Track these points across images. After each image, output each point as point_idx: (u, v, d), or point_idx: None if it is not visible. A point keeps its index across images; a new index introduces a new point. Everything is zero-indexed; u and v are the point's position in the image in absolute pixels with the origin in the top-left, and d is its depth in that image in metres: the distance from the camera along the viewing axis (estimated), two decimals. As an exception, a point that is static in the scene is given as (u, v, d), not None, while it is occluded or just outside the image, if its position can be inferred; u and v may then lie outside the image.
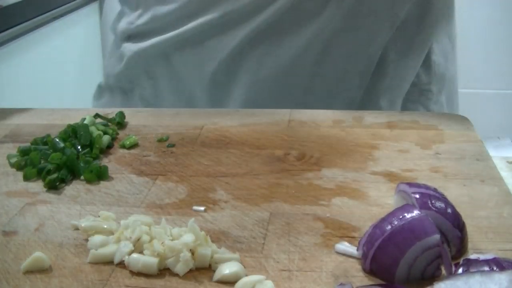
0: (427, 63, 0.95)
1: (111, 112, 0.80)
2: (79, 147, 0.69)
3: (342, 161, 0.68)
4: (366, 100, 0.90)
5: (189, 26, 0.87)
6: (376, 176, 0.65)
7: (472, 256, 0.49)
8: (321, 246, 0.53)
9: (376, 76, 0.89)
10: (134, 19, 0.92)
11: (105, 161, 0.69)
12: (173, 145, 0.72)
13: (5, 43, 1.50)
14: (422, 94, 0.95)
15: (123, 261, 0.51)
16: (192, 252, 0.50)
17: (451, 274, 0.47)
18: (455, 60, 1.02)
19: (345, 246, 0.52)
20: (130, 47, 0.93)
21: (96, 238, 0.53)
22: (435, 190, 0.53)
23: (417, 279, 0.48)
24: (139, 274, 0.50)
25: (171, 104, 0.93)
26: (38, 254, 0.51)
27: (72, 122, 0.73)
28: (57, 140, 0.69)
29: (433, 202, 0.51)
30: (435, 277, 0.48)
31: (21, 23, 1.55)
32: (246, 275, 0.49)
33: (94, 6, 1.97)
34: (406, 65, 0.91)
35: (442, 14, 0.93)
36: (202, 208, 0.59)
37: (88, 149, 0.69)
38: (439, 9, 0.92)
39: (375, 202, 0.60)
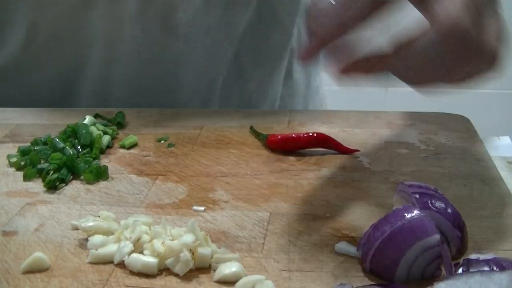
0: (289, 84, 0.95)
1: (111, 112, 0.80)
2: (79, 147, 0.69)
3: (342, 161, 0.68)
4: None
5: None
6: (376, 176, 0.65)
7: (472, 256, 0.49)
8: (321, 246, 0.53)
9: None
10: None
11: (105, 161, 0.69)
12: (173, 145, 0.72)
13: None
14: None
15: (123, 261, 0.51)
16: (192, 252, 0.50)
17: (451, 274, 0.47)
18: (318, 69, 1.00)
19: (345, 246, 0.52)
20: None
21: (96, 238, 0.53)
22: (435, 190, 0.53)
23: (417, 279, 0.48)
24: (139, 274, 0.50)
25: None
26: (38, 254, 0.51)
27: (72, 122, 0.73)
28: (57, 140, 0.69)
29: (433, 202, 0.51)
30: (435, 277, 0.48)
31: None
32: (246, 275, 0.49)
33: None
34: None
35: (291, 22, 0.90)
36: (202, 208, 0.59)
37: (88, 149, 0.69)
38: (287, 15, 0.89)
39: (375, 202, 0.60)
